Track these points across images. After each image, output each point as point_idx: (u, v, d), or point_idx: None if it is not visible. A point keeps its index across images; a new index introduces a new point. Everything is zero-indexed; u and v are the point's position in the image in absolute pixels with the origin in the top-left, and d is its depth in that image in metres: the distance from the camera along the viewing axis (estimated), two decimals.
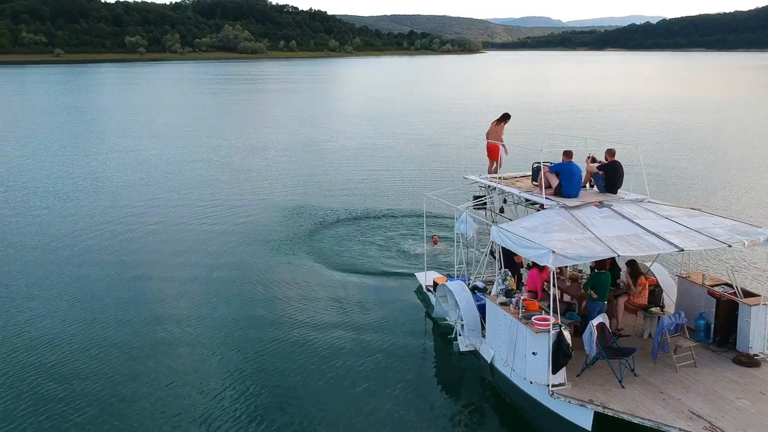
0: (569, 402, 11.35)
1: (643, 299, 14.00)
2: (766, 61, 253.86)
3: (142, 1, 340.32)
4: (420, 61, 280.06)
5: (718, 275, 14.24)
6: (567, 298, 15.04)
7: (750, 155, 41.42)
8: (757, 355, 12.70)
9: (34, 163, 39.16)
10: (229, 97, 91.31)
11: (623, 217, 12.90)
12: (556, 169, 14.26)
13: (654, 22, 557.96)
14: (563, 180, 14.00)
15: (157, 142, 47.96)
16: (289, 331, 15.99)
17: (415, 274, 18.98)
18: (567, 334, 11.65)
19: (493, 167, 17.77)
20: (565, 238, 11.95)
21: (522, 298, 12.62)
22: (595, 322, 12.06)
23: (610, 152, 14.47)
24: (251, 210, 28.05)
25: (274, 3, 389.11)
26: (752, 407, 10.93)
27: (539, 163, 15.04)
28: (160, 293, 18.56)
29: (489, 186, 16.27)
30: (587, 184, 14.88)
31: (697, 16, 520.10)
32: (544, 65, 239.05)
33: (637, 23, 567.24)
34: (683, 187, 31.77)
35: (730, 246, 11.90)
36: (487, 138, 17.62)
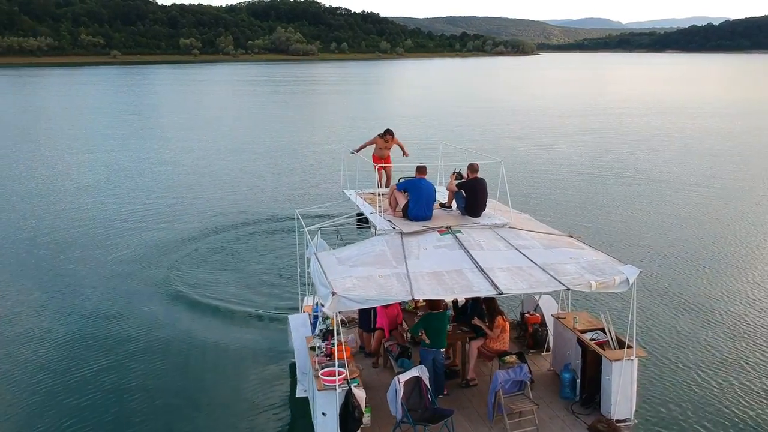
0: None
1: (502, 344, 11.67)
2: None
3: (198, 4, 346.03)
4: (470, 63, 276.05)
5: (598, 318, 11.76)
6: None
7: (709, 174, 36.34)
8: (621, 422, 10.30)
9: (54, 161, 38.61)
10: (252, 99, 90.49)
11: (461, 247, 10.65)
12: (403, 186, 12.09)
13: (717, 23, 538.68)
14: (410, 199, 11.82)
15: (147, 144, 46.99)
16: (137, 360, 14.24)
17: (305, 298, 16.95)
18: (359, 394, 9.50)
19: (382, 182, 15.68)
20: (367, 273, 9.79)
21: (329, 343, 10.49)
22: (402, 377, 9.86)
23: (472, 168, 12.21)
24: (165, 219, 26.48)
25: (327, 5, 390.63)
26: None
27: (404, 178, 12.91)
28: None
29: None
30: (452, 204, 12.64)
31: (762, 17, 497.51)
32: (585, 67, 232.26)
33: (699, 24, 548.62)
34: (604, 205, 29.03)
35: (568, 289, 9.54)
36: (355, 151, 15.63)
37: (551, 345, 12.44)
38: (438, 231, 11.29)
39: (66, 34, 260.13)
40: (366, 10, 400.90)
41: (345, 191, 14.98)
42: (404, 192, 12.00)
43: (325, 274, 9.83)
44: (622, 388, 10.22)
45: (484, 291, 9.33)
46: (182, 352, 14.75)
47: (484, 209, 12.17)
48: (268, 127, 56.55)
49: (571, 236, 11.87)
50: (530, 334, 13.05)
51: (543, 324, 13.01)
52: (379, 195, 12.70)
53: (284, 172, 35.70)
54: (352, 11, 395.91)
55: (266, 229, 24.53)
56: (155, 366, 14.10)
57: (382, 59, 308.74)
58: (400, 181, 12.88)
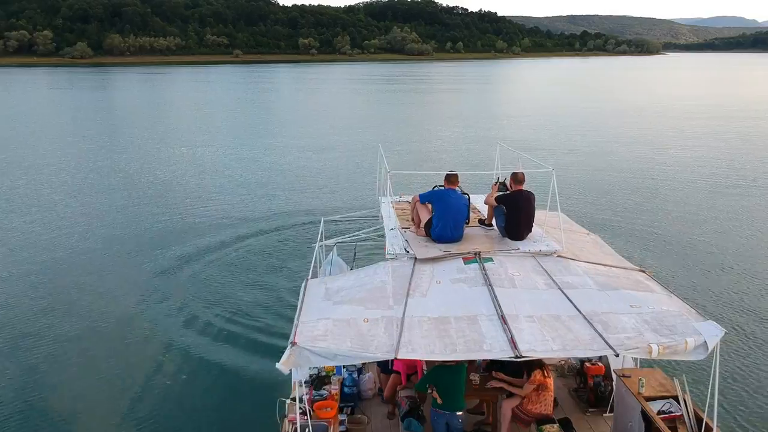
0: None
1: (543, 406, 9.03)
2: None
3: (317, 5, 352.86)
4: (589, 63, 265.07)
5: (674, 382, 8.87)
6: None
7: None
8: None
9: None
10: (358, 98, 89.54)
11: (485, 282, 8.18)
12: (427, 198, 9.72)
13: None
14: (434, 215, 9.44)
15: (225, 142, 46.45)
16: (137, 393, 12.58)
17: None
18: None
19: None
20: (350, 315, 7.52)
21: (310, 396, 8.29)
22: None
23: (516, 178, 9.67)
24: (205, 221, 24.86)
25: (444, 5, 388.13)
26: None
27: (440, 186, 10.53)
28: None
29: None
30: (492, 222, 10.13)
31: None
32: (714, 67, 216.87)
33: None
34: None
35: (617, 355, 6.87)
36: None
37: (615, 406, 9.69)
38: (463, 258, 8.86)
39: (193, 34, 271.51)
40: (483, 9, 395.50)
41: (380, 198, 12.70)
42: (428, 205, 9.64)
43: (299, 313, 7.67)
44: None
45: (496, 351, 6.84)
46: (175, 376, 12.98)
47: (530, 230, 9.61)
48: (363, 125, 54.98)
49: (643, 271, 9.10)
50: (591, 387, 10.34)
51: (608, 376, 10.28)
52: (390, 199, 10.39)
53: (363, 173, 33.68)
54: (469, 10, 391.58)
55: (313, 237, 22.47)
56: (141, 378, 12.52)
57: (498, 59, 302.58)
58: (435, 188, 10.51)
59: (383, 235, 11.37)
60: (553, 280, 8.30)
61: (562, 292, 8.00)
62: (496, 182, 10.33)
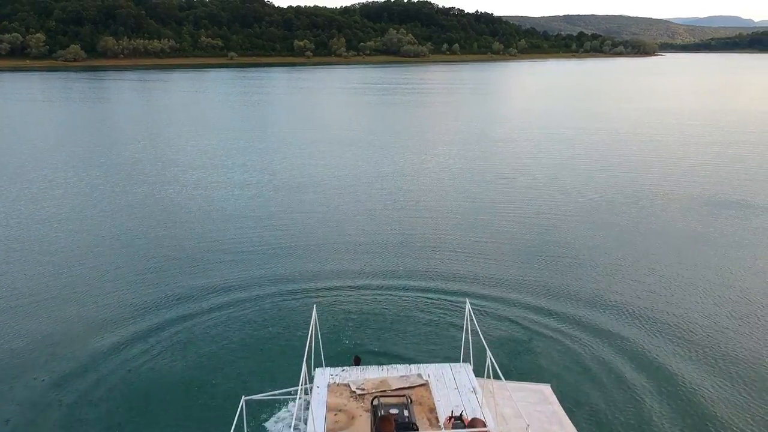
0: None
1: None
2: None
3: (313, 6, 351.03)
4: (586, 65, 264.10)
5: None
6: None
7: None
8: None
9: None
10: (347, 114, 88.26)
11: None
12: None
13: None
14: None
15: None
16: None
17: None
18: None
19: None
20: None
21: None
22: None
23: (474, 425, 8.27)
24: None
25: (440, 6, 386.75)
26: None
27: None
28: None
29: None
30: None
31: None
32: (712, 70, 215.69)
33: None
34: None
35: None
36: None
37: None
38: None
39: (187, 36, 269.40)
40: (480, 10, 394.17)
41: (317, 371, 10.98)
42: None
43: None
44: None
45: None
46: None
47: None
48: (341, 160, 52.57)
49: None
50: None
51: None
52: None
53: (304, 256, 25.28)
54: (465, 11, 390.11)
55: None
56: None
57: (494, 61, 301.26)
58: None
59: None
60: None
61: None
62: (450, 418, 8.91)
